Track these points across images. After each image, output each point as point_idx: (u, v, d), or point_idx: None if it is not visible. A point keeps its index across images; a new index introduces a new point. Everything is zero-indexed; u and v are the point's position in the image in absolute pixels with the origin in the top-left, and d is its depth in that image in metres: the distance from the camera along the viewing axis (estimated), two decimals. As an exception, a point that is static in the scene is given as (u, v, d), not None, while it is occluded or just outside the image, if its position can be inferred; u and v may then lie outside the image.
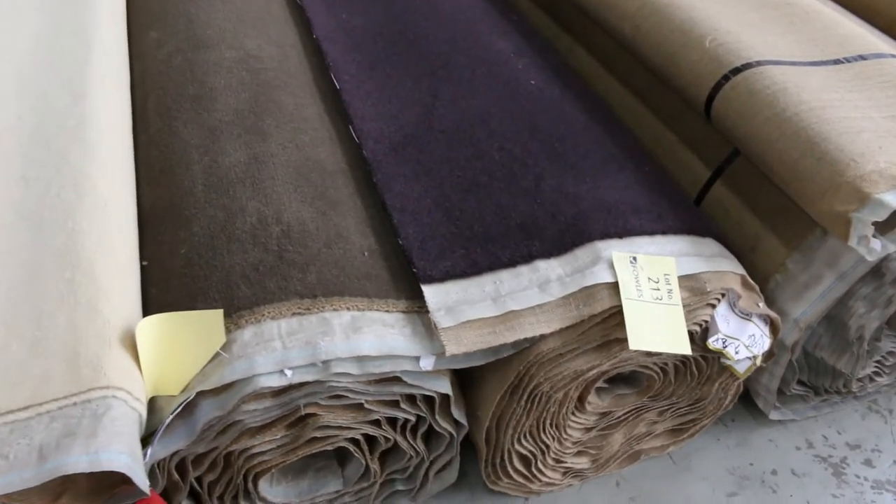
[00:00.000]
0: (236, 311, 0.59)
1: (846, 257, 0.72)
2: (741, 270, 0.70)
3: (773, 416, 0.86)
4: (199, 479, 0.62)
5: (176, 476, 0.60)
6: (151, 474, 0.58)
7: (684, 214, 0.72)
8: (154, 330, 0.56)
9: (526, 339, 0.63)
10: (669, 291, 0.66)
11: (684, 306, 0.67)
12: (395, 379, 0.61)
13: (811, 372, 0.84)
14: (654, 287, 0.65)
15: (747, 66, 0.77)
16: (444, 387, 0.63)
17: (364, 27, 0.93)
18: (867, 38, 0.85)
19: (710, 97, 0.78)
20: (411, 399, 0.63)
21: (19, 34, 0.80)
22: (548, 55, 0.93)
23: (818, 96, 0.74)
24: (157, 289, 0.63)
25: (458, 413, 0.66)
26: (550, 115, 0.81)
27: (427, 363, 0.61)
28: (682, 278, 0.67)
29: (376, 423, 0.64)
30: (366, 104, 0.80)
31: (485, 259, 0.66)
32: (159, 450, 0.57)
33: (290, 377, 0.57)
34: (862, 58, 0.81)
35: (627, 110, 0.95)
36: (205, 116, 0.75)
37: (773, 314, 0.73)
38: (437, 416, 0.65)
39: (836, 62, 0.80)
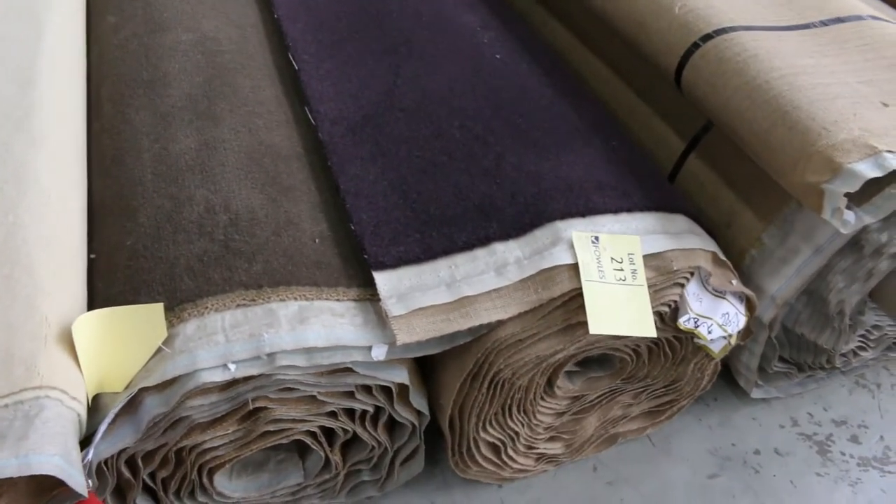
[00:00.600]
0: (179, 305, 0.57)
1: (822, 230, 0.69)
2: (712, 247, 0.68)
3: (756, 394, 0.83)
4: (152, 476, 0.61)
5: (127, 474, 0.59)
6: (100, 472, 0.57)
7: (652, 190, 0.70)
8: (92, 326, 0.54)
9: (483, 326, 0.61)
10: (634, 271, 0.63)
11: (650, 286, 0.64)
12: (347, 370, 0.59)
13: (792, 348, 0.81)
14: (618, 267, 0.63)
15: (717, 32, 0.74)
16: (401, 376, 0.62)
17: (327, 4, 0.90)
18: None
19: (679, 66, 0.75)
20: (367, 389, 0.62)
21: None
22: (518, 28, 0.90)
23: (791, 62, 0.71)
24: (103, 282, 0.61)
25: (418, 402, 0.64)
26: (515, 90, 0.78)
27: (379, 353, 0.59)
28: (647, 257, 0.64)
29: (332, 414, 0.62)
30: (324, 84, 0.78)
31: (440, 243, 0.63)
32: (105, 448, 0.55)
33: (234, 371, 0.55)
34: (840, 20, 0.78)
35: (602, 83, 0.92)
36: (157, 102, 0.73)
37: (748, 291, 0.70)
38: (396, 406, 0.63)
39: (813, 25, 0.77)
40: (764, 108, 0.67)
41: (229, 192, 0.65)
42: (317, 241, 0.63)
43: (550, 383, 0.70)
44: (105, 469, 0.57)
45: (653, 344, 0.71)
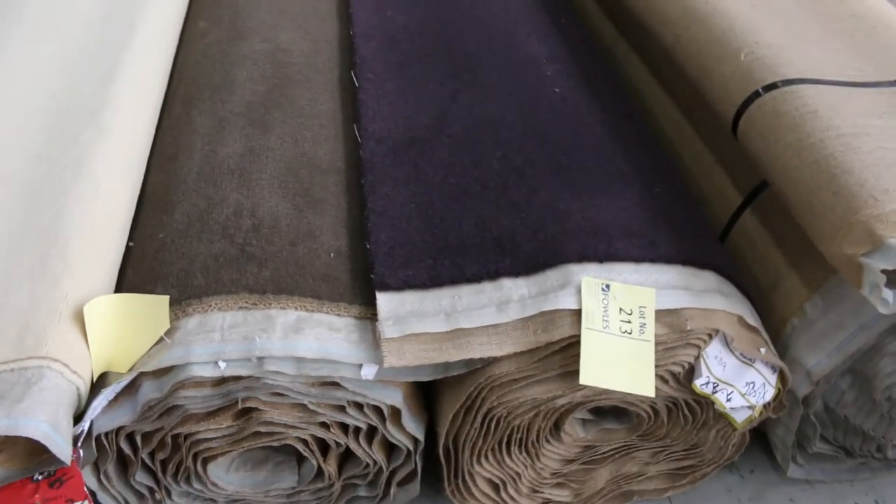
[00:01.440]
0: (186, 300, 0.60)
1: (869, 306, 0.63)
2: (739, 310, 0.64)
3: (793, 473, 0.77)
4: (152, 457, 0.64)
5: (128, 450, 0.62)
6: (101, 445, 0.61)
7: (685, 243, 0.67)
8: (104, 309, 0.58)
9: (477, 360, 0.61)
10: (642, 325, 0.61)
11: (660, 343, 0.61)
12: (337, 384, 0.60)
13: (838, 430, 0.75)
14: (626, 319, 0.61)
15: (781, 83, 0.70)
16: (394, 398, 0.62)
17: (406, 25, 0.92)
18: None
19: (737, 116, 0.71)
20: (358, 406, 0.62)
21: (76, 11, 0.85)
22: (589, 62, 0.89)
23: (853, 121, 0.65)
24: (132, 270, 0.66)
25: (413, 427, 0.64)
26: (565, 126, 0.77)
27: (368, 372, 0.60)
28: (660, 312, 0.62)
29: (324, 426, 0.63)
30: (381, 104, 0.80)
31: (449, 272, 0.63)
32: (104, 422, 0.59)
33: (224, 369, 0.57)
34: (931, 81, 0.72)
35: (672, 125, 0.89)
36: (219, 106, 0.77)
37: (779, 362, 0.66)
38: (388, 428, 0.64)
39: (892, 84, 0.71)
40: (813, 169, 0.63)
41: (260, 198, 0.68)
42: (332, 255, 0.65)
43: (557, 427, 0.69)
44: (105, 442, 0.61)
45: (671, 404, 0.68)
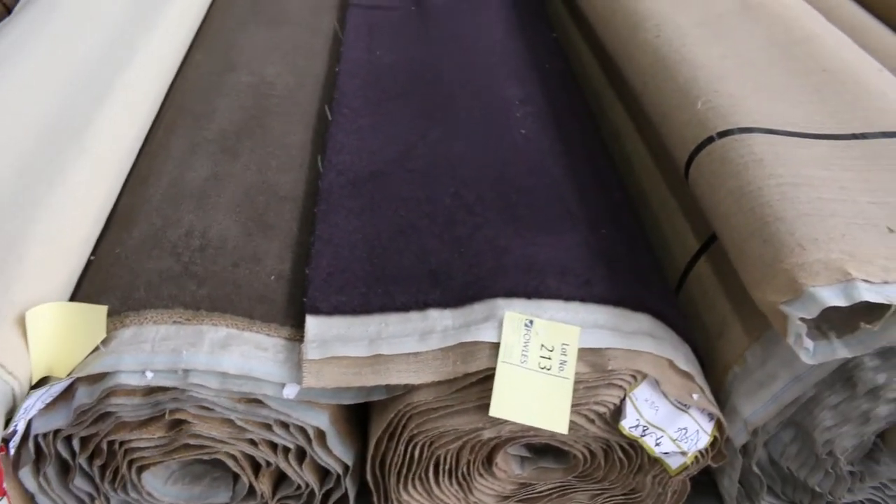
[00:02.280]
0: (125, 311, 0.63)
1: (803, 358, 0.62)
2: (669, 354, 0.63)
3: (742, 526, 0.75)
4: (90, 463, 0.67)
5: (65, 454, 0.65)
6: (39, 447, 0.64)
7: (623, 284, 0.67)
8: (45, 317, 0.62)
9: (398, 386, 0.62)
10: (563, 363, 0.61)
11: (581, 382, 0.62)
12: (261, 402, 0.62)
13: (786, 484, 0.73)
14: (546, 355, 0.61)
15: (731, 131, 0.70)
16: (319, 420, 0.63)
17: (391, 64, 0.95)
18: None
19: (689, 161, 0.72)
20: (284, 426, 0.64)
21: (87, 31, 0.91)
22: (565, 106, 0.90)
23: (797, 171, 0.65)
24: (88, 282, 0.69)
25: (340, 450, 0.65)
26: (524, 165, 0.78)
27: (290, 392, 0.61)
28: (583, 351, 0.62)
29: (253, 443, 0.65)
30: (350, 138, 0.83)
31: (379, 300, 0.65)
32: (40, 425, 0.62)
33: (151, 379, 0.60)
34: (887, 135, 0.71)
35: (646, 170, 0.90)
36: (194, 133, 0.81)
37: (714, 409, 0.65)
38: (315, 449, 0.65)
39: (850, 137, 0.70)
40: (748, 216, 0.63)
41: (213, 220, 0.71)
42: (272, 277, 0.67)
43: (490, 462, 0.69)
44: (43, 444, 0.64)
45: (605, 446, 0.68)
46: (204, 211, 0.72)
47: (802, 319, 0.56)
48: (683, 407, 0.65)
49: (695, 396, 0.64)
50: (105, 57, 0.88)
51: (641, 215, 0.84)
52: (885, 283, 0.56)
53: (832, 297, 0.55)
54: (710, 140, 0.70)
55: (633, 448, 0.67)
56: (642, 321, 0.65)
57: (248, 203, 0.73)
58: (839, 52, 0.83)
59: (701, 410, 0.65)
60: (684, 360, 0.65)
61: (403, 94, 0.89)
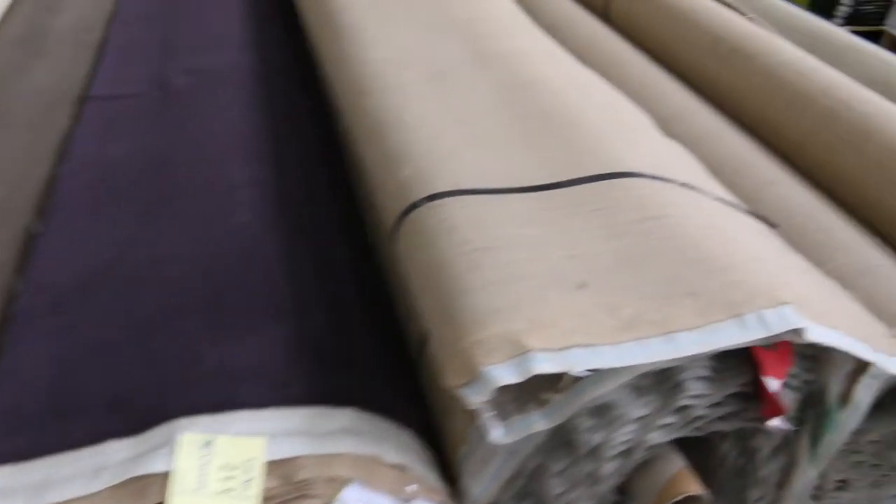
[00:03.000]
0: None
1: (512, 432, 0.59)
2: (374, 449, 0.59)
3: None
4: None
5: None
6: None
7: (328, 379, 0.62)
8: None
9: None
10: (248, 481, 0.56)
11: (271, 498, 0.56)
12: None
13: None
14: (229, 476, 0.56)
15: (433, 196, 0.66)
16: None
17: (121, 157, 0.89)
18: (627, 152, 0.72)
19: (392, 236, 0.68)
20: None
21: None
22: (299, 184, 0.85)
23: (492, 234, 0.62)
24: None
25: None
26: (240, 257, 0.73)
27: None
28: (273, 464, 0.56)
29: None
30: (60, 249, 0.76)
31: (52, 440, 0.58)
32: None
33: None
34: (594, 178, 0.69)
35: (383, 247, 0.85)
36: None
37: (437, 496, 0.60)
38: None
39: (555, 186, 0.68)
40: (436, 293, 0.59)
41: None
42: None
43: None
44: None
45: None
46: None
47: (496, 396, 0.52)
48: (405, 500, 0.60)
49: (409, 489, 0.60)
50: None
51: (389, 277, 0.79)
52: (564, 348, 0.53)
53: (505, 376, 0.52)
54: (412, 208, 0.67)
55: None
56: (343, 418, 0.60)
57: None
58: (563, 93, 0.81)
59: (425, 499, 0.61)
60: (395, 450, 0.60)
61: (125, 191, 0.83)
